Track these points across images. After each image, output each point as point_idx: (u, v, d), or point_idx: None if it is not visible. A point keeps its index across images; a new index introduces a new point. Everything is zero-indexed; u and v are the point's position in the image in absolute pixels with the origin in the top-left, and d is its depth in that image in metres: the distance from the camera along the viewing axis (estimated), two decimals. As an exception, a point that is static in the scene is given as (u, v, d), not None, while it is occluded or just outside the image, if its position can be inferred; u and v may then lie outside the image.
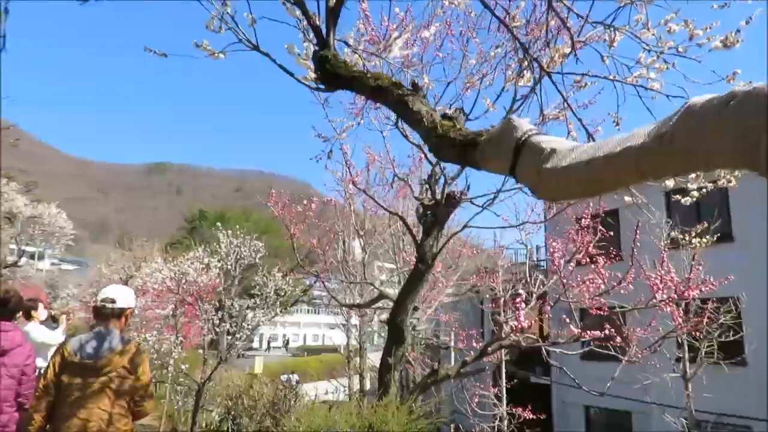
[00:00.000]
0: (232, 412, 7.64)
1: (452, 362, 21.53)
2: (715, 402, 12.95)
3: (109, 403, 3.46)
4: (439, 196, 5.80)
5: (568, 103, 3.12)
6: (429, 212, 5.84)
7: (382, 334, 28.53)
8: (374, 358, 24.60)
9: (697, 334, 11.70)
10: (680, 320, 10.59)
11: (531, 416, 13.60)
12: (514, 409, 11.01)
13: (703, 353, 11.87)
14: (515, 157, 2.17)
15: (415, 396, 5.63)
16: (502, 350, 14.87)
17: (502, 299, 17.64)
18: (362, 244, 19.40)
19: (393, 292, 7.31)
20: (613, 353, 6.40)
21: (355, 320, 22.09)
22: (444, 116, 2.68)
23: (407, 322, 5.82)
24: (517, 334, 4.60)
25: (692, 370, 12.36)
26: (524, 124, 2.27)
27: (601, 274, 4.14)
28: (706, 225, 9.16)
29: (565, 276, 4.33)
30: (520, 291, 4.43)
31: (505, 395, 15.48)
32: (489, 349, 5.53)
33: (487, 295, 17.68)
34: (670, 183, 4.03)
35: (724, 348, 12.18)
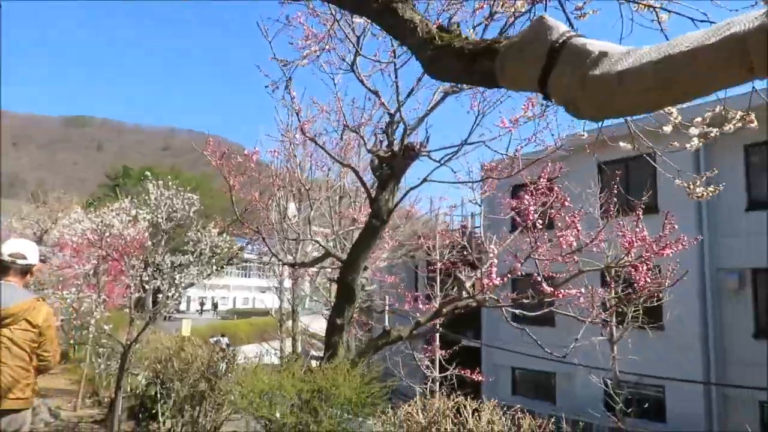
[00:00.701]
0: (161, 376, 7.04)
1: (387, 324, 21.52)
2: (638, 363, 13.46)
3: (9, 357, 3.26)
4: (396, 148, 5.37)
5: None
6: (385, 165, 5.40)
7: (315, 298, 28.12)
8: (306, 321, 24.19)
9: (627, 299, 12.03)
10: (613, 284, 10.85)
11: (469, 378, 13.66)
12: (462, 372, 10.87)
13: (630, 318, 12.20)
14: (549, 64, 1.68)
15: (366, 358, 5.27)
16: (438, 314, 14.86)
17: (439, 264, 17.63)
18: (298, 205, 18.80)
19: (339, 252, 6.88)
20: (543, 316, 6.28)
21: (288, 283, 21.57)
22: (440, 28, 2.21)
23: (358, 282, 5.42)
24: (486, 293, 4.29)
25: (618, 334, 12.76)
26: (560, 24, 1.82)
27: (578, 231, 3.88)
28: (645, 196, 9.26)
29: (536, 233, 4.04)
30: (492, 247, 4.10)
31: (438, 358, 15.57)
32: (444, 310, 5.23)
33: (429, 258, 17.53)
34: (627, 146, 3.77)
35: (647, 313, 12.55)
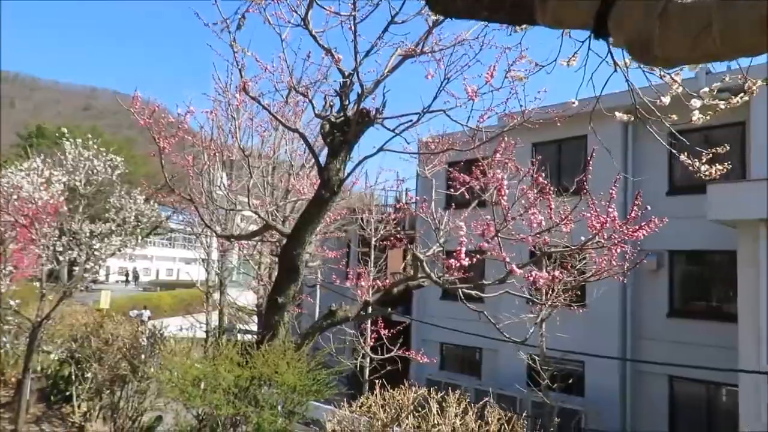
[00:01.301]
0: (77, 355, 6.30)
1: (318, 301, 21.03)
2: (563, 340, 13.74)
3: None
4: (350, 113, 4.88)
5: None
6: (337, 131, 4.91)
7: (243, 270, 27.20)
8: (234, 294, 23.34)
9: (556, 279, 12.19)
10: (551, 266, 10.89)
11: (396, 354, 13.46)
12: (403, 352, 10.57)
13: (561, 297, 12.37)
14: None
15: (310, 341, 4.83)
16: (369, 290, 14.57)
17: (373, 239, 17.29)
18: (228, 173, 17.86)
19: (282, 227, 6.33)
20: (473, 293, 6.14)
21: (215, 255, 20.65)
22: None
23: (303, 257, 4.94)
24: (454, 274, 3.94)
25: (546, 312, 12.93)
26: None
27: (551, 208, 3.59)
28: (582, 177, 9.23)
29: (507, 208, 3.72)
30: (460, 224, 3.74)
31: (369, 334, 15.34)
32: (395, 289, 4.86)
33: (363, 233, 17.12)
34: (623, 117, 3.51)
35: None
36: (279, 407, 3.81)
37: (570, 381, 14.54)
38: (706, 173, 2.68)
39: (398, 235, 16.23)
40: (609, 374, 16.07)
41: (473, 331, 17.61)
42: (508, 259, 3.69)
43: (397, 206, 23.67)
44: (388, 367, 15.29)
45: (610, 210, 3.41)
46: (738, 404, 13.92)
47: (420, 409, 3.00)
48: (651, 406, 15.61)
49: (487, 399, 5.69)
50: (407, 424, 2.86)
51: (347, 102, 4.97)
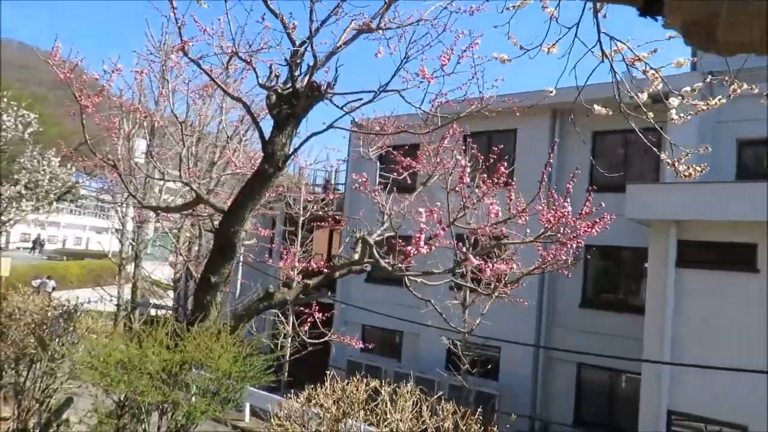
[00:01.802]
0: (-26, 330, 5.66)
1: (239, 279, 20.40)
2: (484, 327, 14.06)
3: None
4: (300, 85, 4.58)
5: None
6: (284, 104, 4.60)
7: (158, 243, 26.00)
8: (149, 267, 22.24)
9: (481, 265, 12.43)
10: (470, 254, 11.04)
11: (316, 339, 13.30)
12: (337, 337, 10.38)
13: (483, 283, 12.62)
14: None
15: (245, 324, 4.54)
16: (295, 270, 14.28)
17: (302, 219, 16.94)
18: (149, 140, 16.87)
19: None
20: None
21: (130, 226, 19.59)
22: None
23: (240, 235, 4.63)
24: (412, 261, 3.78)
25: (471, 298, 13.20)
26: None
27: (510, 199, 3.51)
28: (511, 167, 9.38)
29: (466, 196, 3.61)
30: (421, 210, 3.56)
31: (293, 318, 15.07)
32: (337, 273, 4.67)
33: (290, 211, 16.72)
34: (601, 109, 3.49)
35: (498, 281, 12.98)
36: (211, 394, 3.54)
37: (489, 366, 14.96)
38: (686, 174, 2.67)
39: (336, 216, 15.96)
40: (523, 360, 16.67)
41: (396, 315, 17.72)
42: (464, 249, 3.59)
43: (327, 186, 23.36)
44: (309, 348, 15.14)
45: (566, 204, 3.39)
46: (639, 391, 14.87)
47: (370, 401, 2.87)
48: (560, 391, 16.37)
49: (419, 385, 5.70)
50: (359, 419, 2.72)
51: (297, 73, 4.68)
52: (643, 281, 15.48)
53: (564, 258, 3.94)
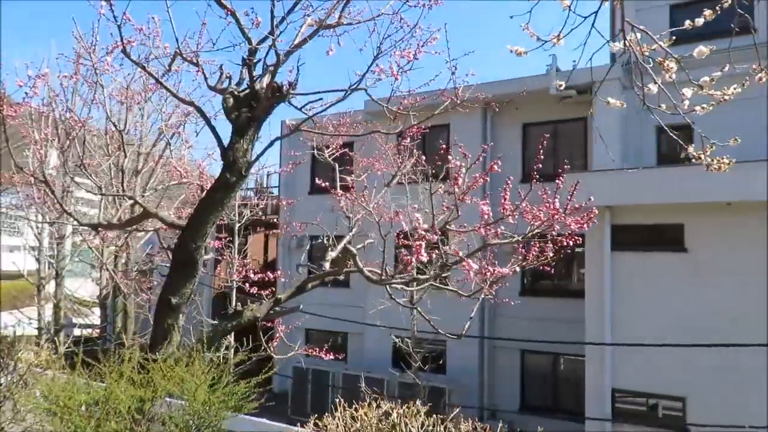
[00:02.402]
0: None
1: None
2: (434, 322, 14.06)
3: None
4: (259, 86, 4.24)
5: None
6: (243, 107, 4.25)
7: (77, 259, 24.34)
8: (70, 285, 20.80)
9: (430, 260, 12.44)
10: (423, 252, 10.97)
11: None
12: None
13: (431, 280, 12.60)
14: None
15: (214, 349, 4.17)
16: (235, 277, 13.71)
17: (237, 226, 16.28)
18: (61, 150, 15.63)
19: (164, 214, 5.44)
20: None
21: (47, 242, 18.23)
22: None
23: (203, 250, 4.24)
24: (412, 271, 3.55)
25: (418, 295, 13.15)
26: None
27: (506, 199, 3.35)
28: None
29: (462, 198, 3.44)
30: (417, 216, 3.31)
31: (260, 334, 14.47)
32: (309, 285, 4.39)
33: (230, 219, 16.03)
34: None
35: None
36: (191, 428, 3.19)
37: (441, 362, 15.01)
38: (714, 167, 2.60)
39: (273, 221, 15.40)
40: (469, 352, 16.88)
41: (338, 316, 17.45)
42: (461, 254, 3.43)
43: (260, 191, 22.66)
44: (254, 357, 14.59)
45: (553, 201, 3.29)
46: (581, 372, 15.39)
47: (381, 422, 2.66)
48: (506, 379, 16.71)
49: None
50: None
51: (254, 74, 4.34)
52: (578, 266, 16.05)
53: (551, 255, 3.87)
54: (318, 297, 19.42)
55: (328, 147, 6.35)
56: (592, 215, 3.17)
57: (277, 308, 4.61)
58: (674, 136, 2.49)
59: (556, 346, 14.99)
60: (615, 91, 16.02)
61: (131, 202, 5.57)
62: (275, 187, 21.46)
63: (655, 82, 2.39)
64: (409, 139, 5.64)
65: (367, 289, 17.54)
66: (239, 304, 13.23)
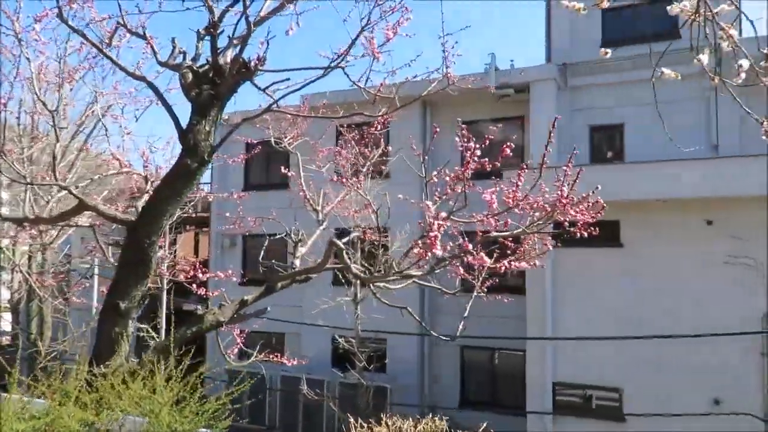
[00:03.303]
0: None
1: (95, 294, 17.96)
2: (372, 321, 13.74)
3: None
4: (223, 61, 3.72)
5: None
6: (204, 83, 3.71)
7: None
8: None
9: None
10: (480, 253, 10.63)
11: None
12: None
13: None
14: None
15: (172, 361, 3.59)
16: (163, 280, 12.80)
17: (168, 226, 15.27)
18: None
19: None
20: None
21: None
22: None
23: (157, 247, 3.66)
24: (425, 267, 3.15)
25: (362, 294, 12.80)
26: None
27: (517, 187, 3.03)
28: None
29: (470, 186, 3.10)
30: (428, 204, 2.92)
31: (164, 325, 13.59)
32: (279, 284, 3.92)
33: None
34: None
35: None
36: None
37: (385, 361, 14.73)
38: None
39: (204, 217, 14.48)
40: (409, 349, 16.70)
41: (273, 316, 16.74)
42: (470, 246, 3.10)
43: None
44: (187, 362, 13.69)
45: (560, 189, 3.03)
46: (519, 367, 15.57)
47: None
48: (446, 375, 16.66)
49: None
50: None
51: (215, 48, 3.81)
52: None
53: (545, 248, 3.60)
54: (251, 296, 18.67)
55: (285, 136, 5.84)
56: (601, 207, 2.95)
57: (242, 311, 4.12)
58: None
59: (495, 341, 15.10)
60: (550, 91, 16.27)
61: (62, 193, 4.86)
62: (207, 183, 20.37)
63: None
64: (380, 126, 5.28)
65: (304, 288, 16.96)
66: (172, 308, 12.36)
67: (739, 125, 14.13)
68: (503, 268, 3.33)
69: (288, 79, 4.15)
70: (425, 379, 16.68)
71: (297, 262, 4.47)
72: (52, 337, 15.82)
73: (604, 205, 2.97)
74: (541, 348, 13.05)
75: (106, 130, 5.45)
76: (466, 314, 3.69)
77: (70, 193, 4.29)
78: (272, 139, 5.95)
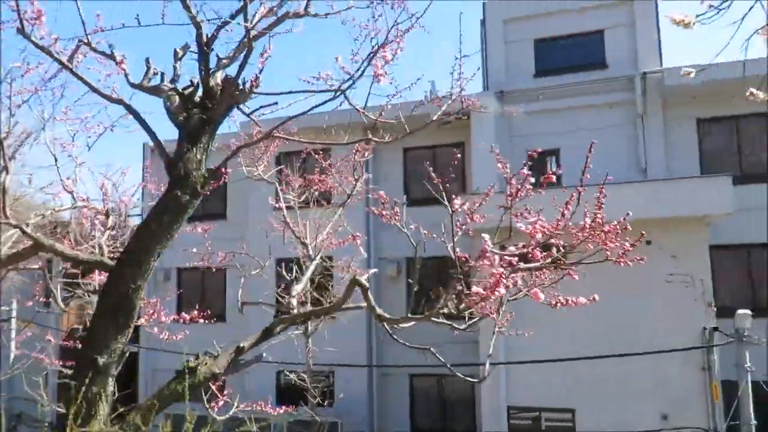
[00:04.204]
0: None
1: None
2: (324, 353, 13.22)
3: None
4: (214, 83, 3.32)
5: None
6: (193, 107, 3.30)
7: None
8: None
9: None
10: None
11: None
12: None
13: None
14: None
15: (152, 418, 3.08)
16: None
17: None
18: None
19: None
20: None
21: None
22: None
23: (141, 293, 3.16)
24: (482, 308, 2.84)
25: (313, 326, 12.29)
26: None
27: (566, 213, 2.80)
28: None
29: (517, 214, 2.87)
30: (484, 236, 2.61)
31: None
32: (277, 329, 3.52)
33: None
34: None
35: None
36: None
37: (341, 396, 14.18)
38: None
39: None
40: (358, 381, 16.25)
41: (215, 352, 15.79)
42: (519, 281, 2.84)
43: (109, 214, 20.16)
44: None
45: (599, 214, 2.86)
46: (469, 392, 15.48)
47: None
48: (395, 404, 16.32)
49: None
50: None
51: (208, 68, 3.42)
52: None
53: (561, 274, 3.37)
54: (190, 332, 17.64)
55: (257, 164, 5.43)
56: (640, 236, 2.80)
57: (239, 360, 3.67)
58: None
59: (443, 369, 14.97)
60: (488, 117, 16.59)
61: (11, 232, 4.23)
62: (138, 215, 19.23)
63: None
64: (364, 153, 5.01)
65: (246, 322, 16.16)
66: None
67: (664, 148, 14.97)
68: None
69: (276, 103, 3.83)
70: (374, 408, 16.28)
71: (294, 302, 4.08)
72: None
73: (638, 232, 2.84)
74: (495, 372, 13.01)
75: (56, 159, 4.85)
76: (490, 352, 3.42)
77: (23, 232, 3.72)
78: (244, 168, 5.53)
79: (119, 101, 3.44)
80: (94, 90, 3.35)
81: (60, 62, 3.31)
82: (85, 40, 3.77)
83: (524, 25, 17.19)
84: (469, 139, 17.09)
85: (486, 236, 2.54)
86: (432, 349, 3.50)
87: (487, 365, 3.48)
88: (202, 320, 5.73)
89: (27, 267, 5.32)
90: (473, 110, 16.79)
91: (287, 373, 13.26)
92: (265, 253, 9.87)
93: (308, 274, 4.53)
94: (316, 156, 8.64)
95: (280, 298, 9.04)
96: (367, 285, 3.18)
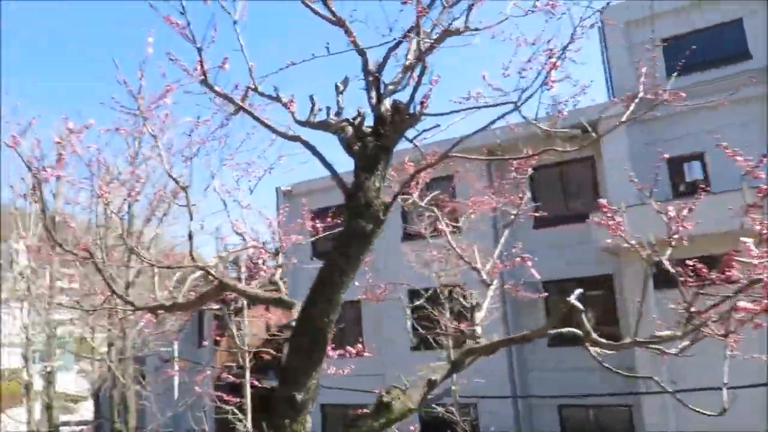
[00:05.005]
0: None
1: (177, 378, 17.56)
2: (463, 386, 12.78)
3: None
4: (384, 109, 3.27)
5: None
6: (370, 137, 3.26)
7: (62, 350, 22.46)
8: (65, 379, 18.91)
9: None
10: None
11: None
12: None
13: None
14: None
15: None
16: (247, 356, 12.27)
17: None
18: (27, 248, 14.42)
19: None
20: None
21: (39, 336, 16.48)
22: None
23: (333, 325, 3.12)
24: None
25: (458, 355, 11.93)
26: None
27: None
28: None
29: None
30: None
31: (249, 406, 12.99)
32: (466, 360, 3.30)
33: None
34: None
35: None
36: None
37: (492, 429, 13.63)
38: None
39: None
40: (503, 412, 15.53)
41: (359, 387, 16.05)
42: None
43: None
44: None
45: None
46: (630, 422, 14.18)
47: None
48: (546, 436, 15.39)
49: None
50: None
51: (380, 94, 3.37)
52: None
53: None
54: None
55: (411, 187, 5.33)
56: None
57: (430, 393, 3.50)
58: None
59: (598, 398, 13.84)
60: (619, 128, 15.53)
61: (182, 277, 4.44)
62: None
63: None
64: (527, 169, 4.77)
65: (383, 356, 16.11)
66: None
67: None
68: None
69: (438, 125, 3.69)
70: (524, 441, 15.43)
71: (479, 330, 3.87)
72: (137, 426, 15.38)
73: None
74: (661, 403, 11.80)
75: (226, 205, 5.10)
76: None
77: (208, 273, 3.86)
78: (412, 197, 5.48)
79: (296, 138, 3.47)
80: (273, 130, 3.41)
81: (242, 108, 3.42)
82: (252, 86, 3.91)
83: (649, 26, 16.16)
84: (599, 151, 16.14)
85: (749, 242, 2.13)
86: (655, 378, 3.03)
87: (724, 392, 2.94)
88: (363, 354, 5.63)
89: (209, 307, 5.59)
90: (604, 119, 15.91)
91: (433, 406, 12.92)
92: (397, 283, 9.77)
93: (487, 300, 4.29)
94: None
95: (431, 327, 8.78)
96: (582, 308, 2.86)
